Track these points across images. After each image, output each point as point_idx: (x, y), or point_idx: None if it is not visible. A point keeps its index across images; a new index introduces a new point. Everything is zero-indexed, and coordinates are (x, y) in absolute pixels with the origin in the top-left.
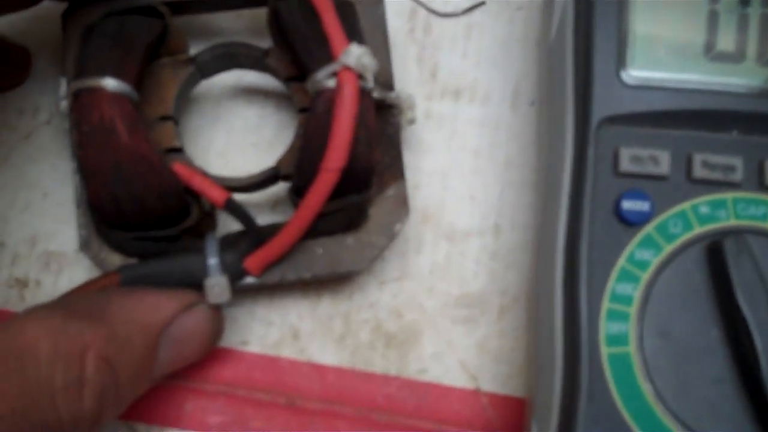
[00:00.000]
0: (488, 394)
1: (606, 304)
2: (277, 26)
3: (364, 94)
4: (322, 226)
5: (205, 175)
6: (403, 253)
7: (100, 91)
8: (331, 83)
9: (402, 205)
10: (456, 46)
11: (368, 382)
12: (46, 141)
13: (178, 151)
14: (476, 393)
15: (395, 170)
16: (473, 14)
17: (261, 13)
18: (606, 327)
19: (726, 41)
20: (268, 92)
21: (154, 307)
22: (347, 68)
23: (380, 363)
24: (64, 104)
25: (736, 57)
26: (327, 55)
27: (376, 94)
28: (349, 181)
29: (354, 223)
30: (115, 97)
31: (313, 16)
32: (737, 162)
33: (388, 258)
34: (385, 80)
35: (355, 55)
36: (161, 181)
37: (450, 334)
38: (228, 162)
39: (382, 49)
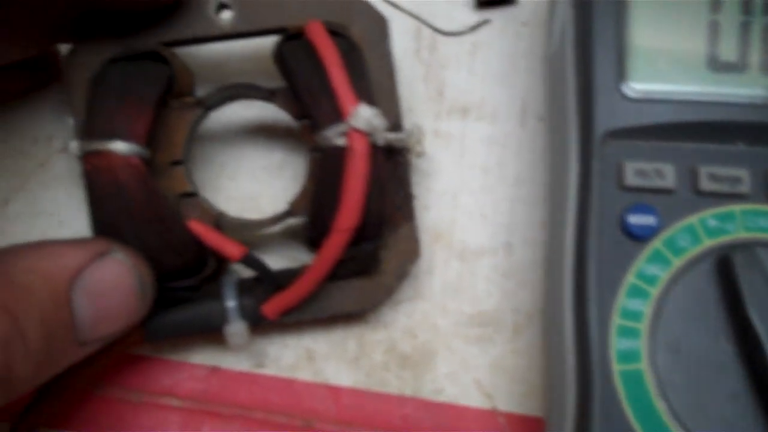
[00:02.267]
0: (505, 413)
1: (616, 321)
2: (283, 70)
3: (374, 150)
4: (336, 272)
5: (219, 227)
6: (415, 273)
7: (111, 156)
8: (340, 141)
9: (413, 245)
10: (462, 64)
11: (384, 403)
12: (61, 169)
13: (192, 194)
14: (493, 413)
15: (406, 211)
16: (479, 32)
17: (266, 51)
18: (617, 343)
19: (728, 51)
20: (278, 126)
21: (57, 255)
22: (357, 130)
23: (395, 384)
24: (74, 148)
25: (739, 67)
26: (335, 110)
27: (385, 139)
28: (361, 232)
29: (367, 267)
30: (127, 160)
31: (319, 64)
32: (744, 174)
33: None
34: (394, 121)
35: (364, 117)
36: (178, 240)
37: (464, 353)
38: (242, 196)
39: (389, 89)
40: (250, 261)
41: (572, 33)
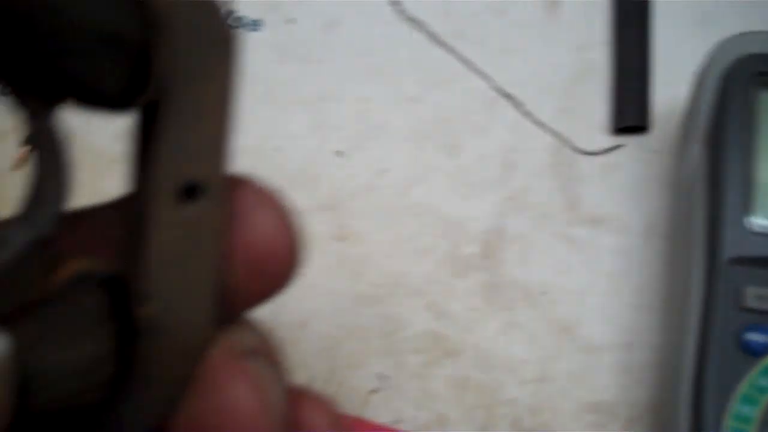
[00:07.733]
0: None
1: (729, 423)
2: None
3: None
4: None
5: None
6: (542, 359)
7: None
8: None
9: None
10: (595, 181)
11: None
12: None
13: None
14: None
15: None
16: (613, 154)
17: None
18: None
19: None
20: None
21: None
22: None
23: None
24: None
25: None
26: None
27: None
28: None
29: None
30: None
31: None
32: None
33: (529, 360)
34: None
35: None
36: None
37: None
38: None
39: None
40: None
41: (703, 169)
